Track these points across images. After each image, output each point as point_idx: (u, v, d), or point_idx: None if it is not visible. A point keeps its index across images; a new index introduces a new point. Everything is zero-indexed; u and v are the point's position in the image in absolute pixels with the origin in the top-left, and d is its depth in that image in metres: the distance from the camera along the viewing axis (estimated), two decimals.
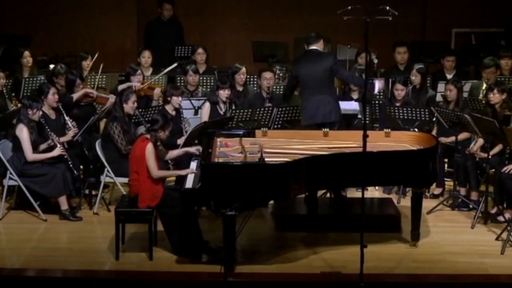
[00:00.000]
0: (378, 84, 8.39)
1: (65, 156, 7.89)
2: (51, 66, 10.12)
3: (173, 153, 7.53)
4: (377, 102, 9.11)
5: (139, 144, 7.05)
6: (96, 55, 9.99)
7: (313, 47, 8.37)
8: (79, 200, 8.21)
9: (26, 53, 10.19)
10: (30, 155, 7.80)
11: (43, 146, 7.97)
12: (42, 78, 9.56)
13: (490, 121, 7.72)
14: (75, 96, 8.70)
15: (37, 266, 6.87)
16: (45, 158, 7.88)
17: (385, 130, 7.78)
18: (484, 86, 9.37)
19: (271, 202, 7.73)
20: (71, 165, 7.89)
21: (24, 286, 6.67)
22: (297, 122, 8.60)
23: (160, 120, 7.10)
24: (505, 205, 7.90)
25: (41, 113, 7.93)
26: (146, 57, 10.28)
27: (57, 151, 7.86)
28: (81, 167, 8.47)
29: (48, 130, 7.93)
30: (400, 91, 8.90)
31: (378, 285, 6.51)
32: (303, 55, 8.56)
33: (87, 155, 8.24)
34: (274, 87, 9.46)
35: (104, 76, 9.89)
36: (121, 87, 9.21)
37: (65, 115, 8.25)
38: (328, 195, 8.41)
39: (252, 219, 7.02)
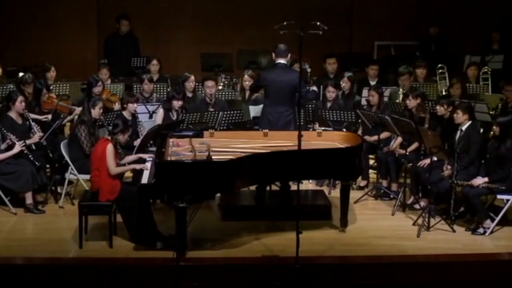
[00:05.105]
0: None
1: (25, 151, 7.71)
2: (21, 74, 9.92)
3: (128, 158, 7.42)
4: (311, 105, 9.16)
5: (101, 144, 6.99)
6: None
7: (281, 60, 8.05)
8: (46, 196, 8.07)
9: None
10: None
11: (2, 147, 7.80)
12: (11, 86, 9.35)
13: (407, 122, 7.82)
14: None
15: (7, 255, 6.74)
16: (7, 157, 7.69)
17: (317, 130, 7.82)
18: (401, 91, 9.53)
19: (218, 195, 7.73)
20: (31, 158, 7.70)
21: None
22: (240, 124, 8.59)
23: (121, 125, 7.06)
24: (420, 195, 8.03)
25: None
26: (103, 74, 10.11)
27: (17, 148, 7.67)
28: (47, 166, 8.34)
29: (4, 130, 7.75)
30: (331, 93, 9.00)
31: (312, 266, 6.53)
32: (272, 67, 8.20)
33: (51, 156, 8.10)
34: (220, 93, 9.41)
35: (68, 85, 9.73)
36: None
37: (30, 120, 8.08)
38: (268, 188, 8.41)
39: (201, 210, 7.02)
